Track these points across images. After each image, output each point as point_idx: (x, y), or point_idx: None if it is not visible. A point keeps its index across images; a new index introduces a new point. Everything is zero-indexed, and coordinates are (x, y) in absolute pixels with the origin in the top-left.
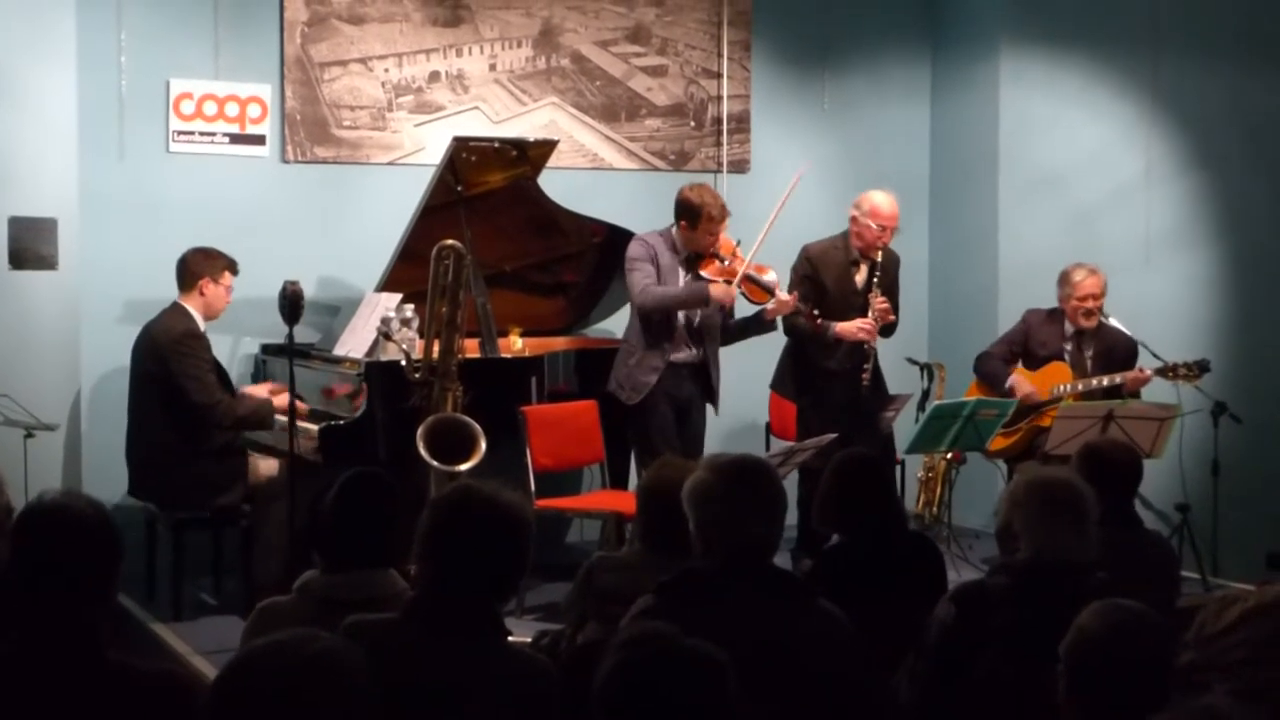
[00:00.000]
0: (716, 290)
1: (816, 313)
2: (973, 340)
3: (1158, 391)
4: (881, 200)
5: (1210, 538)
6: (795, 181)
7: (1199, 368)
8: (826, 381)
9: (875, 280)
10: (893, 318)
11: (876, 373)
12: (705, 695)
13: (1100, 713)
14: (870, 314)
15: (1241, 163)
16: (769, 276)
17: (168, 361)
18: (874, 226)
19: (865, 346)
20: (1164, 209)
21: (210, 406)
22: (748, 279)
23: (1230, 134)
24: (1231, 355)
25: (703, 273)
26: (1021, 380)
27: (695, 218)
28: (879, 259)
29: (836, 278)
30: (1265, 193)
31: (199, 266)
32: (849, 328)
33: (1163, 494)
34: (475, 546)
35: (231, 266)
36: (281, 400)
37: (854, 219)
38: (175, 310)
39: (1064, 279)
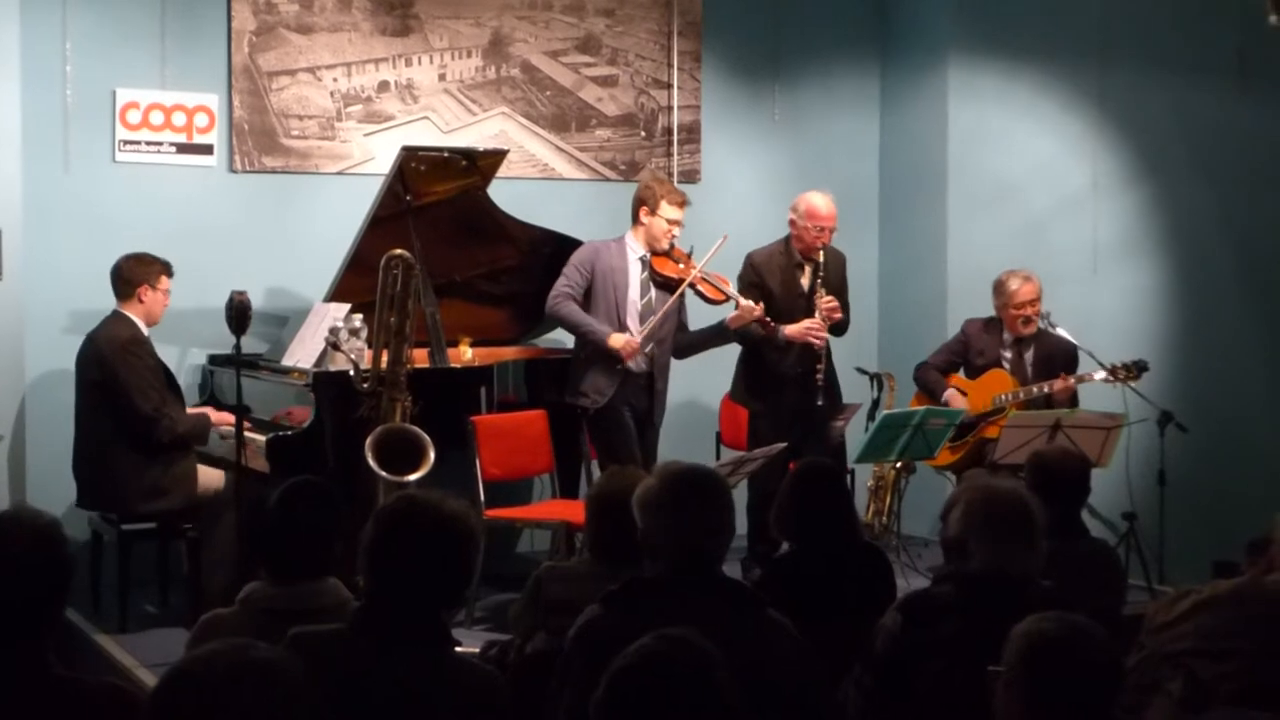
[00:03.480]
0: (615, 342)
1: (770, 320)
2: (922, 350)
3: (1104, 401)
4: (818, 201)
5: (1157, 546)
6: (720, 244)
7: (1137, 368)
8: (780, 387)
9: (820, 280)
10: (839, 315)
11: (830, 378)
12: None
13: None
14: (817, 315)
15: (1187, 174)
16: (727, 286)
17: (114, 368)
18: (812, 227)
19: (815, 347)
20: (1111, 220)
21: (154, 419)
22: (703, 280)
23: (1176, 146)
24: (1177, 364)
25: (659, 271)
26: (955, 397)
27: (654, 200)
28: (821, 259)
29: (781, 282)
30: (1210, 204)
31: (134, 274)
32: (797, 329)
33: (1109, 503)
34: (420, 556)
35: (167, 269)
36: (219, 416)
37: (792, 222)
38: (117, 318)
39: (998, 288)
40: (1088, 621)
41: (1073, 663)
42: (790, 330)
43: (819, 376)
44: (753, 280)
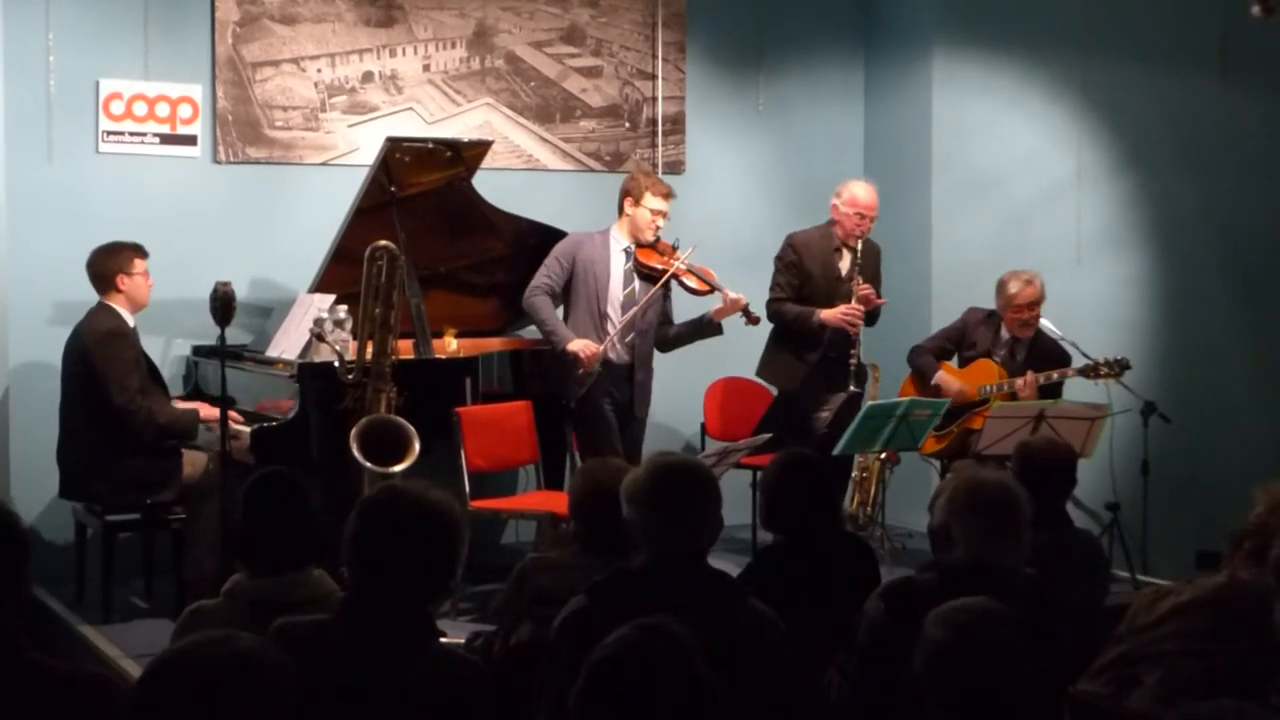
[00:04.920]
0: (574, 347)
1: (758, 316)
2: (907, 341)
3: (1087, 391)
4: (860, 190)
5: (1140, 536)
6: (690, 251)
7: (1119, 366)
8: (811, 372)
9: (858, 266)
10: (880, 301)
11: (860, 365)
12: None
13: (966, 715)
14: (854, 301)
15: (1170, 165)
16: (712, 278)
17: (93, 361)
18: (853, 214)
19: (850, 334)
20: (1094, 211)
21: (128, 412)
22: (688, 271)
23: (1159, 137)
24: (1160, 355)
25: (644, 262)
26: (948, 379)
27: (639, 192)
28: (860, 247)
29: (821, 264)
30: (1193, 195)
31: (107, 266)
32: (834, 314)
33: (1093, 493)
34: (403, 547)
35: (139, 251)
36: (209, 412)
37: (834, 208)
38: (101, 309)
39: (1000, 289)
40: (982, 609)
41: (965, 660)
42: (827, 315)
43: (852, 362)
44: (791, 260)
